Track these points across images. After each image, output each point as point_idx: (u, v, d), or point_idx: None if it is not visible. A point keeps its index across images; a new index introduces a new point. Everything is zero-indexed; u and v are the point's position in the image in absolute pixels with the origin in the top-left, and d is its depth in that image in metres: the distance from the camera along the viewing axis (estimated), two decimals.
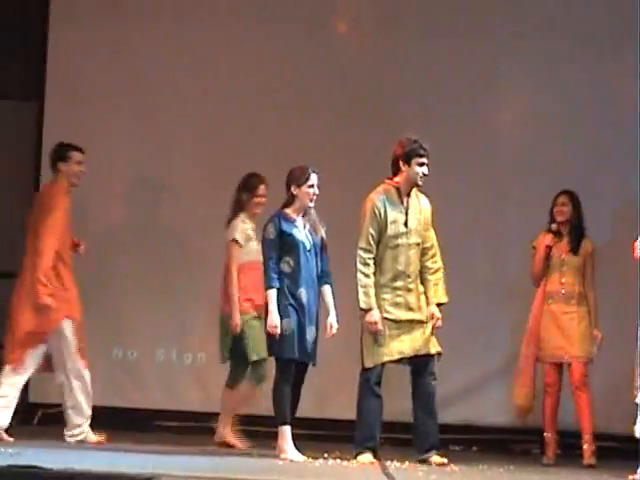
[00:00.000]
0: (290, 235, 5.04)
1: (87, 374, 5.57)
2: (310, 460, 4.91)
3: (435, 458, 5.04)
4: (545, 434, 5.89)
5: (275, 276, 4.99)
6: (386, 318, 5.07)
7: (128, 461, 4.44)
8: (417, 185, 5.19)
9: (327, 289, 5.19)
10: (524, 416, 6.02)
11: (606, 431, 5.98)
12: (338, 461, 4.99)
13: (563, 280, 5.86)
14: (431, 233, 5.27)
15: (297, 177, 5.09)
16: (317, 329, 5.10)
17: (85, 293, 5.79)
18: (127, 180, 7.13)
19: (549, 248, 5.85)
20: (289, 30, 6.99)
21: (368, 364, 5.06)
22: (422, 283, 5.20)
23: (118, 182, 7.12)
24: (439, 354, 5.16)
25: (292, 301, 4.99)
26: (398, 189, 5.18)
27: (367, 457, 4.97)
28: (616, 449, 5.93)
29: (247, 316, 5.60)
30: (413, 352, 5.08)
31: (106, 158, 6.89)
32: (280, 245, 5.03)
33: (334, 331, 5.14)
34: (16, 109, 7.42)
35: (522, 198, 6.69)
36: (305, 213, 5.15)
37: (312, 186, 5.07)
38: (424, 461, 5.01)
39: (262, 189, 5.77)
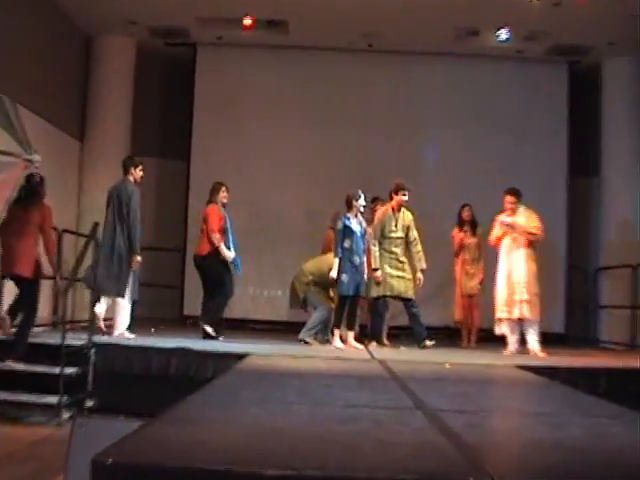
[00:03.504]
0: (349, 227, 9.08)
1: None
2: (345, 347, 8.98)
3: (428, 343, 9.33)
4: (462, 331, 10.29)
5: (340, 250, 9.03)
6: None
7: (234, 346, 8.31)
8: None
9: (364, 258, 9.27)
10: (459, 324, 10.35)
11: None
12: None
13: (470, 252, 10.15)
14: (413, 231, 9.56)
15: (354, 196, 9.17)
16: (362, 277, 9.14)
17: None
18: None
19: (462, 239, 10.22)
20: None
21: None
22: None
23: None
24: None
25: (350, 262, 9.02)
26: (393, 208, 9.52)
27: (373, 344, 9.33)
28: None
29: None
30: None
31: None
32: (344, 232, 9.05)
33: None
34: (174, 165, 12.91)
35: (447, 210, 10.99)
36: (357, 215, 9.18)
37: (360, 199, 9.20)
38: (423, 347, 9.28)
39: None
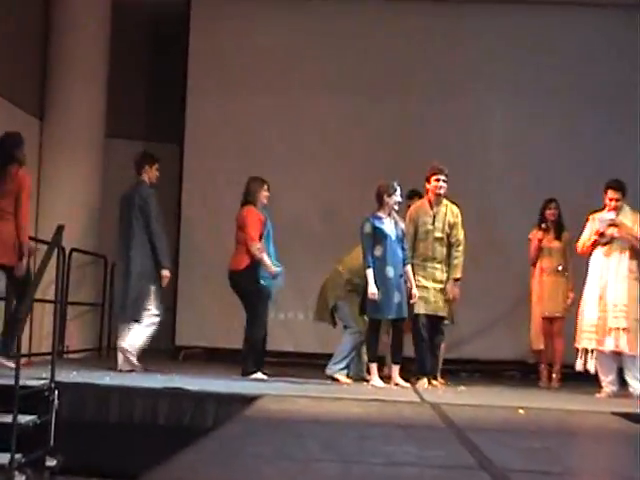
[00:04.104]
0: (380, 229, 8.92)
1: None
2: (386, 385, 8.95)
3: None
4: (542, 365, 10.22)
5: (370, 259, 8.89)
6: None
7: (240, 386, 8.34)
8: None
9: (407, 268, 9.10)
10: (538, 355, 10.37)
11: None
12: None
13: (552, 260, 10.08)
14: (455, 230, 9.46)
15: (386, 189, 9.01)
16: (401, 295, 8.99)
17: None
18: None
19: (540, 241, 10.10)
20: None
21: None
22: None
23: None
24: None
25: (383, 275, 8.87)
26: (430, 201, 9.48)
27: (423, 382, 9.18)
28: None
29: None
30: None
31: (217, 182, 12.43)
32: (374, 236, 8.91)
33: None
34: (168, 149, 12.77)
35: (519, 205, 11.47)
36: (390, 213, 9.04)
37: (395, 194, 9.06)
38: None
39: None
